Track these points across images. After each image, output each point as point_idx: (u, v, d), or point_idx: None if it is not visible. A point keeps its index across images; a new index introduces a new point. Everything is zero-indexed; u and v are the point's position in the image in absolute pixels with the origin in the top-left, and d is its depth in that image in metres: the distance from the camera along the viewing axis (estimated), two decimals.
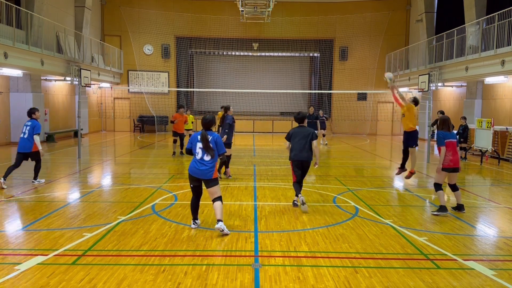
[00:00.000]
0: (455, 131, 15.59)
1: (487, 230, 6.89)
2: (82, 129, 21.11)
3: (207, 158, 6.30)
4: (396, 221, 7.10)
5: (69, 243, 5.76)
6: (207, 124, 6.49)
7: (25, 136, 9.60)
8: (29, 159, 9.80)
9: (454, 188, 7.77)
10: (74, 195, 9.09)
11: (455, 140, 7.66)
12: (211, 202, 6.46)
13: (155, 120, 26.65)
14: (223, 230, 6.16)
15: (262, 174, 11.89)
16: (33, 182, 10.02)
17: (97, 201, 8.44)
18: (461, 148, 15.72)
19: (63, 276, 4.71)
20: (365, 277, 4.83)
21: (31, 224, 6.69)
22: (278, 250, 5.69)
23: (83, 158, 14.60)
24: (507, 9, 14.62)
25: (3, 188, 9.23)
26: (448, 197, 9.58)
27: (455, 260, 5.39)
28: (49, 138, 19.85)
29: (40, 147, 9.75)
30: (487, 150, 14.65)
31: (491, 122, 14.36)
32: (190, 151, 6.51)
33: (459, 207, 7.77)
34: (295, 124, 8.06)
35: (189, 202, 6.80)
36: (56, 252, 5.42)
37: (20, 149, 9.65)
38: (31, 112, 9.97)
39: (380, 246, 5.89)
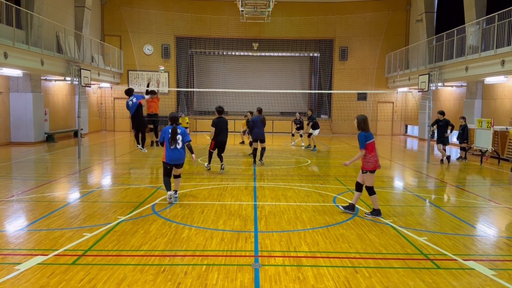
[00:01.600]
0: (455, 131, 15.67)
1: (487, 230, 6.89)
2: (82, 129, 21.11)
3: (179, 146, 8.01)
4: (396, 221, 7.10)
5: (69, 243, 5.76)
6: (175, 119, 8.24)
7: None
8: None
9: (372, 191, 7.36)
10: (74, 195, 9.09)
11: (374, 140, 7.33)
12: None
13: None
14: (171, 198, 8.04)
15: (262, 174, 11.89)
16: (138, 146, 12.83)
17: (97, 201, 8.44)
18: (461, 148, 15.73)
19: (63, 276, 4.71)
20: (365, 277, 4.83)
21: (31, 224, 6.69)
22: (278, 250, 5.69)
23: (83, 158, 14.60)
24: (507, 9, 14.62)
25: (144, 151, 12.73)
26: (449, 197, 9.58)
27: (455, 260, 5.39)
28: (49, 138, 19.85)
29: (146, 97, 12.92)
30: (487, 150, 14.65)
31: (491, 122, 14.36)
32: (163, 143, 8.11)
33: (376, 212, 7.35)
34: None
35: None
36: (56, 252, 5.42)
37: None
38: (131, 91, 12.32)
39: (380, 246, 5.89)
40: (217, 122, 11.48)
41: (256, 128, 13.00)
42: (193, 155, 8.28)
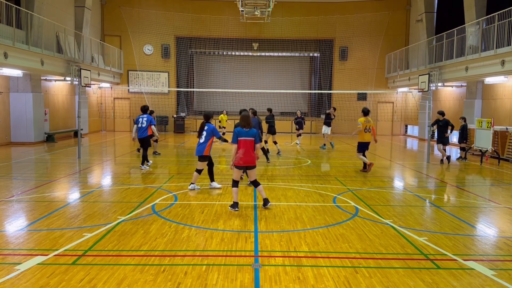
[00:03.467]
0: (456, 131, 15.67)
1: (487, 230, 6.89)
2: (82, 129, 21.11)
3: (201, 141, 9.05)
4: (396, 221, 7.10)
5: (69, 243, 5.76)
6: (206, 117, 9.21)
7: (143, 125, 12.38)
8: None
9: (255, 184, 7.76)
10: (74, 195, 9.09)
11: (251, 138, 7.54)
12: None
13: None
14: (194, 188, 9.34)
15: (262, 174, 11.88)
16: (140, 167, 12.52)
17: (97, 201, 8.44)
18: (461, 148, 15.74)
19: (63, 276, 4.71)
20: (365, 277, 4.83)
21: (31, 224, 6.69)
22: (278, 250, 5.69)
23: (83, 158, 14.60)
24: (507, 9, 14.62)
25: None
26: (449, 197, 9.58)
27: (455, 260, 5.39)
28: (49, 138, 19.85)
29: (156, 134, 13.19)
30: (487, 150, 14.65)
31: (491, 122, 14.36)
32: None
33: (265, 202, 7.72)
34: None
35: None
36: (56, 252, 5.42)
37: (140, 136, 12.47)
38: (145, 109, 12.78)
39: (380, 246, 5.89)
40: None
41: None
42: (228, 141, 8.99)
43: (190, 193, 9.08)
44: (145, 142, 12.51)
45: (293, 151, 17.95)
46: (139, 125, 12.35)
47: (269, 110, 16.63)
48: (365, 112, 12.46)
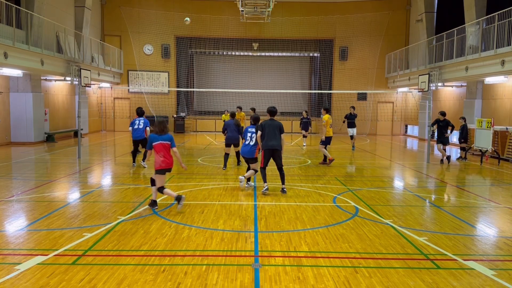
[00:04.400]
0: (456, 131, 15.68)
1: (487, 230, 6.89)
2: (82, 129, 21.11)
3: (251, 143, 9.57)
4: (396, 221, 7.10)
5: (69, 243, 5.76)
6: (256, 120, 9.79)
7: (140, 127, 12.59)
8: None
9: (161, 189, 7.64)
10: (74, 195, 9.09)
11: (166, 142, 7.50)
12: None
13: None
14: (241, 182, 9.41)
15: None
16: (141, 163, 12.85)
17: (97, 201, 8.44)
18: (461, 148, 15.74)
19: (63, 276, 4.71)
20: (365, 277, 4.83)
21: (31, 224, 6.69)
22: (278, 250, 5.69)
23: (83, 158, 14.60)
24: (507, 9, 14.62)
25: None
26: (449, 197, 9.57)
27: (455, 260, 5.39)
28: (49, 138, 19.85)
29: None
30: (487, 150, 14.65)
31: (491, 122, 14.36)
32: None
33: (178, 198, 7.49)
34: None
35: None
36: (56, 252, 5.42)
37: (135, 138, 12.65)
38: (142, 112, 12.94)
39: (380, 246, 5.89)
40: (265, 124, 9.15)
41: (229, 132, 12.47)
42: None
43: (241, 186, 9.55)
44: (144, 143, 12.62)
45: (293, 151, 17.95)
46: (135, 127, 12.45)
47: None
48: (328, 110, 14.03)
